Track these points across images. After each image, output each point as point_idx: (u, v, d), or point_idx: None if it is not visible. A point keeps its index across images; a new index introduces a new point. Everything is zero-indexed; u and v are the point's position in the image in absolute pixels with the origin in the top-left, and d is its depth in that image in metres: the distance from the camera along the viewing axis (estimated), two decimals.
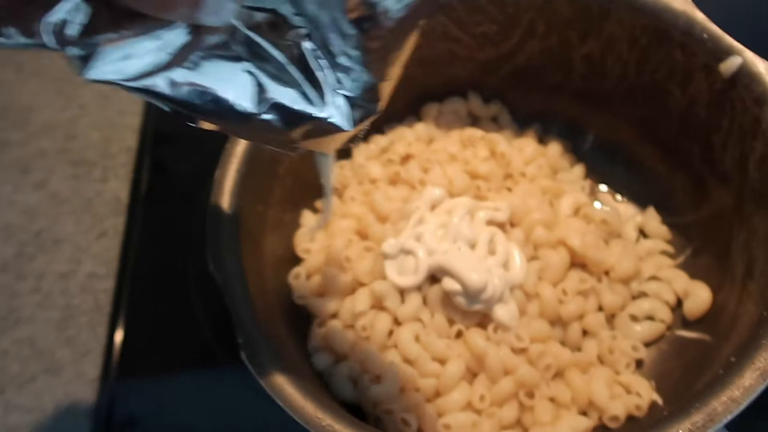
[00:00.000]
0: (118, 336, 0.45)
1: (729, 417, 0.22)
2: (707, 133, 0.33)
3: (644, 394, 0.33)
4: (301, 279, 0.38)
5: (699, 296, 0.34)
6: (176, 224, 0.50)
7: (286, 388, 0.26)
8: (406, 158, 0.42)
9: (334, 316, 0.37)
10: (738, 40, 0.29)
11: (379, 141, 0.43)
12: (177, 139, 0.55)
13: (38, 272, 0.50)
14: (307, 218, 0.41)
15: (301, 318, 0.38)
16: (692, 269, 0.36)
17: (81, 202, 0.53)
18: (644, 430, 0.22)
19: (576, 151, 0.42)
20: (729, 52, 0.30)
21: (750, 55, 0.29)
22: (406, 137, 0.42)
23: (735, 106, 0.30)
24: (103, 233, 0.51)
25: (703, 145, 0.34)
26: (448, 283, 0.35)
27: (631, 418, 0.32)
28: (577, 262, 0.37)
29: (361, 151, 0.42)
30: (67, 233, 0.51)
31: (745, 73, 0.29)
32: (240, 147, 0.34)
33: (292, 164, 0.38)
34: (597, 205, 0.41)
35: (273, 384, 0.27)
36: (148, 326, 0.46)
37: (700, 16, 0.31)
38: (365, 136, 0.43)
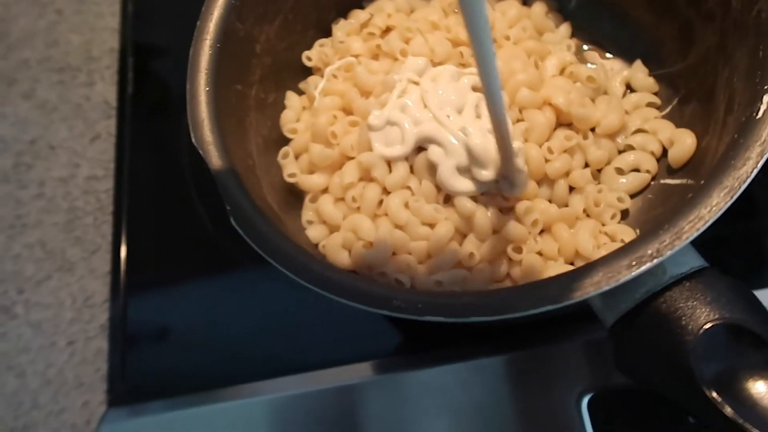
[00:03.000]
0: (123, 232, 0.46)
1: (695, 234, 0.22)
2: None
3: (629, 240, 0.33)
4: (289, 158, 0.38)
5: (684, 143, 0.34)
6: (166, 119, 0.50)
7: (277, 244, 0.27)
8: (387, 31, 0.41)
9: (325, 190, 0.38)
10: None
11: (358, 15, 0.42)
12: (158, 34, 0.54)
13: (39, 179, 0.51)
14: (292, 99, 0.41)
15: (293, 195, 0.38)
16: (678, 118, 0.36)
17: (70, 108, 0.53)
18: (618, 255, 0.23)
19: (561, 10, 0.41)
20: None
21: None
22: (386, 8, 0.41)
23: None
24: (96, 136, 0.51)
25: None
26: (434, 154, 0.35)
27: None
28: (564, 121, 0.37)
29: (340, 27, 0.41)
30: (61, 139, 0.52)
31: None
32: (211, 23, 0.34)
33: (269, 42, 0.38)
34: (585, 65, 0.40)
35: (266, 245, 0.28)
36: (150, 222, 0.47)
37: None
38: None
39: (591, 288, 0.22)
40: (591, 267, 0.23)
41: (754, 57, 0.26)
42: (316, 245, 0.36)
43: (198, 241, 0.44)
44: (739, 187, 0.22)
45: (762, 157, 0.23)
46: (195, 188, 0.46)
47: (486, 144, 0.34)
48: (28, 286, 0.47)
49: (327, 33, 0.42)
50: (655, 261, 0.22)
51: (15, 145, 0.53)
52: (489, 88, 0.25)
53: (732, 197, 0.22)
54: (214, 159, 0.30)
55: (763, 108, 0.24)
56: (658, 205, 0.34)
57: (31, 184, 0.51)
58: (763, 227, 0.36)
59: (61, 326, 0.46)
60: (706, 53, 0.32)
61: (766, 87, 0.24)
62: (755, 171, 0.22)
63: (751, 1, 0.27)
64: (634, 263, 0.22)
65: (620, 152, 0.37)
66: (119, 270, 0.45)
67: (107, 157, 0.50)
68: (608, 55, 0.40)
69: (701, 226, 0.22)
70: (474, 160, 0.33)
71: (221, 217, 0.44)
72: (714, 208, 0.22)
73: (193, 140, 0.31)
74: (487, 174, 0.33)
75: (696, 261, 0.24)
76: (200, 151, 0.30)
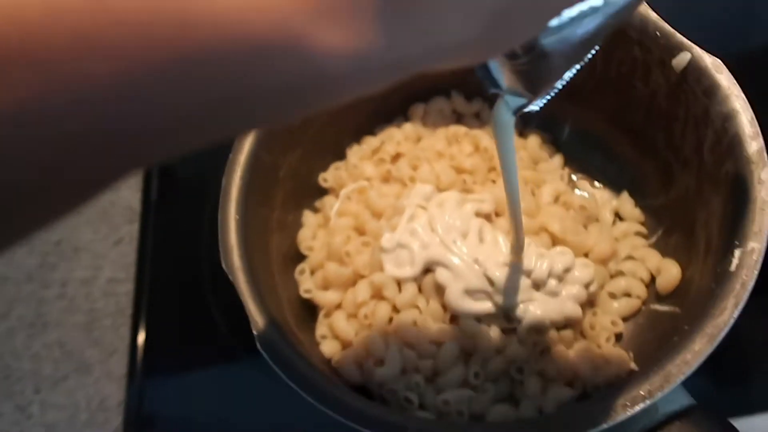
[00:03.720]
0: (141, 336, 0.49)
1: (682, 377, 0.25)
2: (669, 122, 0.36)
3: (623, 364, 0.36)
4: (305, 274, 0.41)
5: (670, 272, 0.37)
6: (187, 226, 0.53)
7: (300, 372, 0.29)
8: (396, 157, 0.45)
9: (338, 306, 0.40)
10: (688, 37, 0.32)
11: (370, 142, 0.46)
12: None
13: (62, 280, 0.54)
14: (308, 218, 0.44)
15: (308, 309, 0.41)
16: (664, 248, 0.39)
17: (96, 211, 0.56)
18: (614, 394, 0.25)
19: (555, 142, 0.46)
20: (679, 48, 0.33)
21: (698, 51, 0.32)
22: (395, 137, 0.45)
23: (688, 98, 0.33)
24: (119, 240, 0.55)
25: (667, 133, 0.37)
26: (441, 276, 0.38)
27: (609, 385, 0.35)
28: (558, 243, 0.40)
29: (354, 152, 0.46)
30: (85, 241, 0.55)
31: (694, 68, 0.32)
32: (242, 156, 0.38)
33: (291, 168, 0.41)
34: (577, 192, 0.44)
35: (288, 369, 0.30)
36: (167, 325, 0.49)
37: (653, 15, 0.34)
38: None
39: (589, 426, 0.25)
40: (588, 405, 0.25)
41: (725, 209, 0.30)
42: (329, 360, 0.39)
43: (214, 349, 0.46)
44: (719, 334, 0.25)
45: (736, 308, 0.26)
46: (212, 294, 0.49)
47: (497, 272, 0.37)
48: (44, 386, 0.49)
49: (342, 156, 0.46)
50: (648, 402, 0.25)
51: (41, 245, 0.56)
52: (511, 194, 0.31)
53: (713, 344, 0.25)
54: (242, 284, 0.33)
55: (735, 262, 0.27)
56: (648, 330, 0.37)
57: (54, 284, 0.53)
58: (747, 355, 0.38)
59: (76, 427, 0.47)
60: (685, 193, 0.36)
61: (736, 242, 0.28)
62: (731, 320, 0.25)
63: (720, 159, 0.31)
64: (628, 403, 0.25)
65: (612, 277, 0.40)
66: (135, 374, 0.47)
67: (129, 260, 0.53)
68: (597, 184, 0.44)
69: (687, 371, 0.25)
70: (484, 286, 0.36)
71: (238, 324, 0.46)
72: (697, 354, 0.25)
73: (224, 266, 0.34)
74: (495, 300, 0.36)
75: (685, 399, 0.27)
76: (230, 276, 0.33)
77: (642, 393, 0.25)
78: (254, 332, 0.31)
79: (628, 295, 0.39)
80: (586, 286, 0.38)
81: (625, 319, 0.38)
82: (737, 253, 0.27)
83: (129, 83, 0.14)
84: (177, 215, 0.55)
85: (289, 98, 0.16)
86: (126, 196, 0.57)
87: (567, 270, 0.39)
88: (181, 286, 0.50)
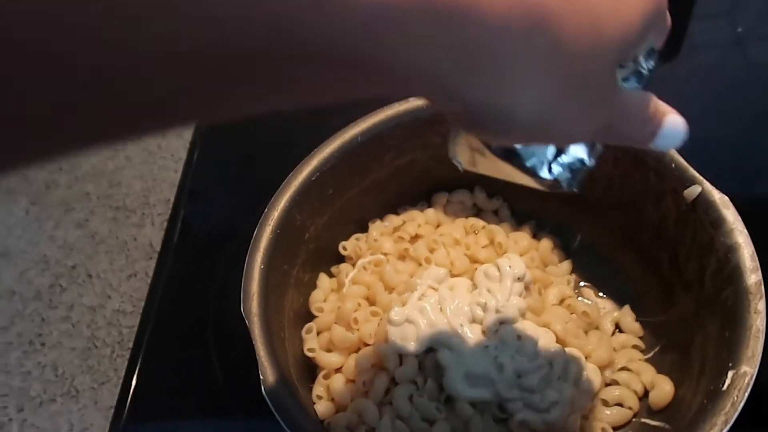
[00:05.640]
0: (136, 371, 0.49)
1: None
2: (675, 245, 0.39)
3: None
4: (312, 333, 0.43)
5: (663, 389, 0.38)
6: (201, 273, 0.55)
7: (300, 425, 0.30)
8: (415, 237, 0.47)
9: (338, 370, 0.41)
10: (700, 172, 0.36)
11: (393, 220, 0.49)
12: (208, 197, 0.61)
13: (69, 303, 0.55)
14: (323, 281, 0.46)
15: (308, 369, 0.42)
16: (659, 364, 0.40)
17: (117, 243, 0.58)
18: None
19: (565, 249, 0.48)
20: (692, 181, 0.36)
21: (708, 186, 0.35)
22: (417, 219, 0.48)
23: (696, 226, 0.36)
24: (133, 274, 0.56)
25: (672, 255, 0.39)
26: (444, 357, 0.39)
27: None
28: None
29: (376, 227, 0.48)
30: (100, 270, 0.57)
31: (703, 200, 0.35)
32: (276, 212, 0.40)
33: (317, 231, 0.44)
34: (581, 299, 0.46)
35: (289, 419, 0.31)
36: (165, 366, 0.50)
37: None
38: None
39: None
40: None
41: (722, 334, 0.32)
42: (322, 421, 0.39)
43: (208, 395, 0.46)
44: None
45: (726, 425, 0.27)
46: (214, 340, 0.49)
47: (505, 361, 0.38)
48: (28, 406, 0.49)
49: (363, 229, 0.49)
50: None
51: (56, 267, 0.57)
52: None
53: None
54: (257, 330, 0.34)
55: (727, 382, 0.29)
56: None
57: (60, 306, 0.55)
58: None
59: None
60: (684, 315, 0.38)
61: (730, 364, 0.29)
62: None
63: (720, 286, 0.34)
64: None
65: (607, 385, 0.41)
66: (124, 407, 0.47)
67: (139, 295, 0.54)
68: (601, 294, 0.46)
69: None
70: (488, 372, 0.37)
71: (236, 373, 0.47)
72: None
73: (242, 310, 0.35)
74: (494, 389, 0.37)
75: None
76: (246, 320, 0.35)
77: None
78: (261, 377, 0.32)
79: (620, 404, 0.40)
80: (593, 395, 0.39)
81: (615, 429, 0.39)
82: (730, 374, 0.29)
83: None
84: (193, 260, 0.56)
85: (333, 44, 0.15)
86: (148, 234, 0.59)
87: (580, 371, 0.40)
88: (185, 330, 0.51)
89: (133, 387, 0.48)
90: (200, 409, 0.46)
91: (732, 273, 0.32)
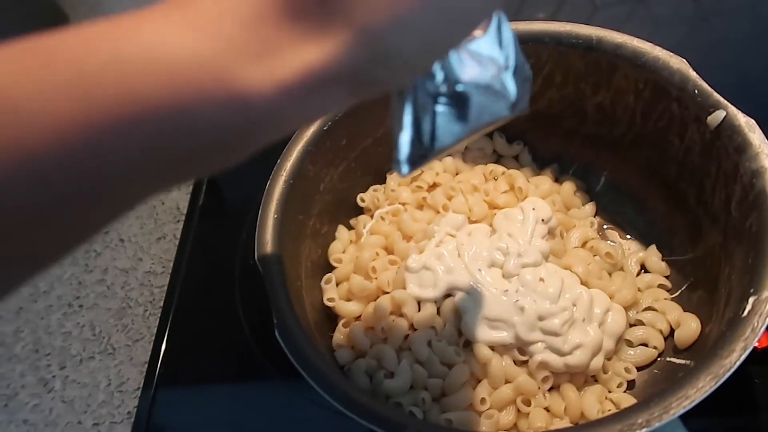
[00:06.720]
0: (167, 328, 0.50)
1: (681, 410, 0.25)
2: (701, 178, 0.37)
3: None
4: (331, 284, 0.43)
5: (689, 326, 0.37)
6: (227, 233, 0.56)
7: (312, 363, 0.31)
8: (433, 186, 0.47)
9: (358, 318, 0.41)
10: (725, 97, 0.34)
11: None
12: None
13: (103, 266, 0.57)
14: (342, 233, 0.46)
15: (328, 319, 0.42)
16: (686, 303, 0.39)
17: (146, 208, 0.60)
18: (612, 420, 0.26)
19: (589, 191, 0.47)
20: (716, 106, 0.34)
21: (733, 110, 0.33)
22: (435, 168, 0.47)
23: (720, 154, 0.34)
24: (162, 236, 0.58)
25: (698, 189, 0.38)
26: (461, 301, 0.39)
27: None
28: None
29: (393, 178, 0.48)
30: (131, 234, 0.58)
31: (728, 125, 0.33)
32: (289, 163, 0.40)
33: (332, 183, 0.44)
34: (607, 242, 0.45)
35: (303, 361, 0.31)
36: (194, 322, 0.51)
37: (692, 74, 0.35)
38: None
39: None
40: (584, 428, 0.26)
41: (746, 261, 0.30)
42: (342, 367, 0.40)
43: (236, 349, 0.47)
44: (724, 375, 0.25)
45: (745, 351, 0.26)
46: (241, 299, 0.50)
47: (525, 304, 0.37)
48: (70, 363, 0.51)
49: (381, 180, 0.48)
50: (644, 430, 0.25)
51: None
52: None
53: (717, 382, 0.25)
54: (272, 278, 0.35)
55: (747, 308, 0.27)
56: (662, 381, 0.37)
57: (96, 270, 0.57)
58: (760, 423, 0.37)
59: (92, 407, 0.49)
60: (712, 249, 0.37)
61: (752, 290, 0.28)
62: (738, 362, 0.26)
63: (745, 214, 0.32)
64: (626, 429, 0.25)
65: (631, 326, 0.40)
66: (157, 362, 0.48)
67: (168, 256, 0.56)
68: (628, 236, 0.45)
69: (687, 405, 0.25)
70: (508, 316, 0.37)
71: (262, 328, 0.47)
72: (700, 390, 0.25)
73: (257, 258, 0.36)
74: (514, 331, 0.37)
75: None
76: (260, 269, 0.35)
77: (640, 421, 0.25)
78: (275, 320, 0.33)
79: (645, 344, 0.39)
80: (618, 337, 0.39)
81: (639, 368, 0.38)
82: (751, 300, 0.28)
83: (69, 149, 0.14)
84: (220, 221, 0.57)
85: (225, 137, 0.17)
86: (174, 197, 0.60)
87: (606, 312, 0.39)
88: (213, 286, 0.52)
89: (164, 343, 0.49)
90: (228, 364, 0.48)
91: (756, 198, 0.31)
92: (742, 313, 0.27)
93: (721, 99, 0.34)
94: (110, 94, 0.15)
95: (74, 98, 0.15)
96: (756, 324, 0.27)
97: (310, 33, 0.17)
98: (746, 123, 0.33)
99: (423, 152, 0.23)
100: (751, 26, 0.57)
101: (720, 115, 0.34)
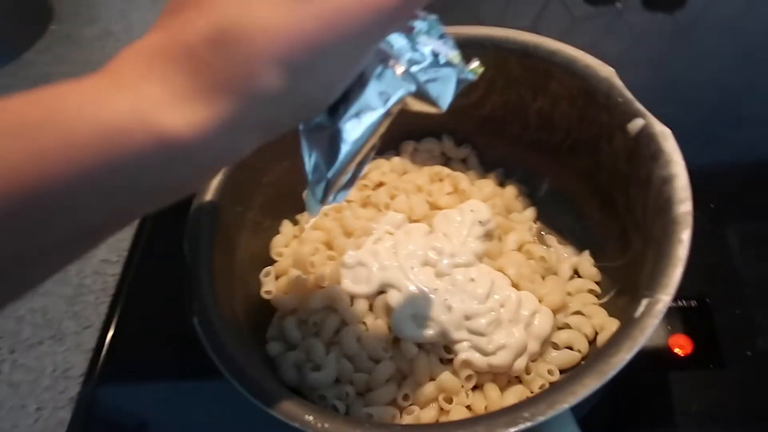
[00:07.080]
0: (116, 317, 0.51)
1: (566, 406, 0.26)
2: (627, 185, 0.37)
3: None
4: (270, 277, 0.44)
5: (609, 330, 0.38)
6: (180, 228, 0.57)
7: (233, 357, 0.31)
8: (379, 185, 0.47)
9: (293, 311, 0.42)
10: (646, 106, 0.34)
11: None
12: None
13: None
14: (286, 227, 0.47)
15: (265, 312, 0.43)
16: (612, 308, 0.40)
17: None
18: (499, 414, 0.26)
19: (532, 196, 0.47)
20: (636, 114, 0.35)
21: (651, 119, 0.34)
22: (382, 167, 0.48)
23: (640, 162, 0.35)
24: None
25: (626, 196, 0.38)
26: (392, 298, 0.40)
27: None
28: None
29: None
30: None
31: (645, 133, 0.34)
32: None
33: (276, 177, 0.44)
34: (543, 246, 0.45)
35: (221, 353, 0.32)
36: (143, 314, 0.52)
37: (618, 82, 0.36)
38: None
39: None
40: (473, 421, 0.26)
41: (653, 267, 0.31)
42: (273, 359, 0.40)
43: (181, 341, 0.48)
44: (609, 372, 0.26)
45: (630, 352, 0.26)
46: (190, 287, 0.51)
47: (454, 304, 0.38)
48: (19, 348, 0.52)
49: None
50: (528, 424, 0.25)
51: None
52: None
53: (602, 381, 0.26)
54: (197, 268, 0.35)
55: (641, 309, 0.28)
56: None
57: None
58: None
59: (37, 391, 0.49)
60: (635, 255, 0.37)
61: (645, 293, 0.29)
62: (623, 363, 0.26)
63: (654, 220, 0.32)
64: (511, 422, 0.26)
65: (559, 329, 0.40)
66: (101, 350, 0.49)
67: (123, 246, 0.56)
68: (565, 241, 0.45)
69: (572, 401, 0.26)
70: (435, 314, 0.38)
71: None
72: (585, 387, 0.26)
73: (185, 247, 0.36)
74: (440, 330, 0.37)
75: None
76: (187, 257, 0.36)
77: (525, 414, 0.26)
78: (194, 306, 0.33)
79: (569, 347, 0.39)
80: (543, 339, 0.39)
81: (562, 371, 0.39)
82: (644, 302, 0.28)
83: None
84: (176, 213, 0.58)
85: (155, 180, 0.21)
86: None
87: (533, 315, 0.39)
88: (165, 278, 0.53)
89: (111, 331, 0.50)
90: (174, 354, 0.48)
91: (663, 204, 0.31)
92: (635, 314, 0.28)
93: (642, 108, 0.35)
94: (51, 147, 0.18)
95: (17, 150, 0.18)
96: (645, 326, 0.27)
97: (216, 88, 0.21)
98: (662, 132, 0.33)
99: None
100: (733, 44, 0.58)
101: (638, 123, 0.34)
